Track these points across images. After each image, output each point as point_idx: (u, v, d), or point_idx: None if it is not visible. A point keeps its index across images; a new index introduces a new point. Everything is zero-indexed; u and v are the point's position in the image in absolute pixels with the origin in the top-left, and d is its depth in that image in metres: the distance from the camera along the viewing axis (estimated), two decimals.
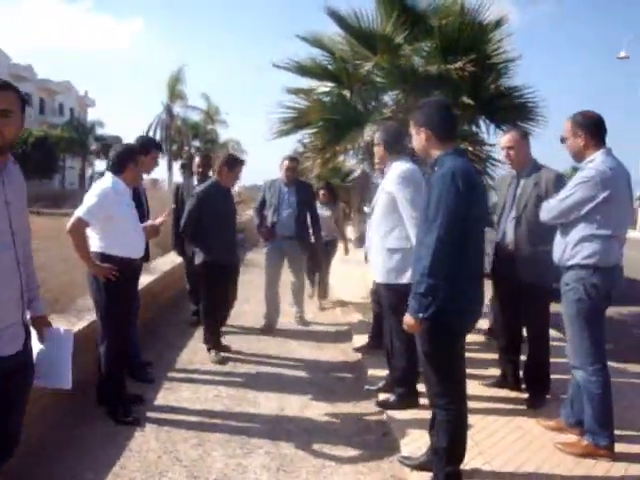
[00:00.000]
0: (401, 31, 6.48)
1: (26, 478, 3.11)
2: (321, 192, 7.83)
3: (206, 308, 5.44)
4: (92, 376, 4.08)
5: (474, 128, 6.83)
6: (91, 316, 4.49)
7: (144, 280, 6.34)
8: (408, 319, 2.76)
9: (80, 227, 3.76)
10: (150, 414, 4.03)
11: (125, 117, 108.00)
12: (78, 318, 4.56)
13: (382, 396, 4.33)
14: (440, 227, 2.61)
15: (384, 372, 4.79)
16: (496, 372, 4.69)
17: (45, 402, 3.64)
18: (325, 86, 7.17)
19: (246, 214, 14.04)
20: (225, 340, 5.90)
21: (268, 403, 4.37)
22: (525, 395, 4.33)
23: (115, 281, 3.78)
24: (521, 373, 4.47)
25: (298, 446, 3.65)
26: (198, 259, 5.38)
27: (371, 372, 4.95)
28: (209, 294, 5.39)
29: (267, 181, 6.62)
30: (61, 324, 4.48)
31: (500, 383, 4.52)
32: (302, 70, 6.91)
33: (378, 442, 3.78)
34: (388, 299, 4.06)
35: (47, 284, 6.51)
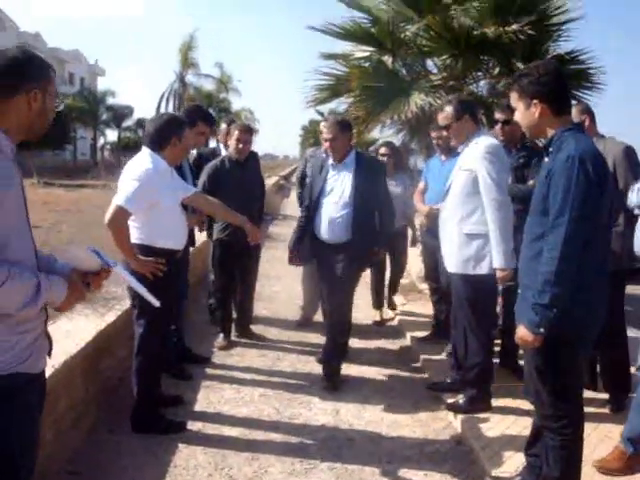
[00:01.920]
0: None
1: None
2: (385, 157, 5.48)
3: (217, 287, 5.15)
4: (127, 372, 3.66)
5: None
6: (121, 306, 4.09)
7: None
8: (524, 333, 2.29)
9: (121, 218, 3.19)
10: (192, 420, 3.61)
11: (139, 86, 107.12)
12: (107, 308, 4.13)
13: (449, 397, 3.90)
14: (569, 224, 2.13)
15: (441, 364, 4.40)
16: None
17: (80, 410, 3.24)
18: (363, 51, 6.59)
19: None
20: (259, 328, 5.48)
21: (322, 404, 3.95)
22: (604, 395, 3.88)
23: (155, 277, 3.25)
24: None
25: (363, 459, 3.23)
26: (213, 236, 5.05)
27: (429, 365, 4.52)
28: (221, 273, 5.08)
29: (309, 151, 6.00)
30: (89, 313, 4.10)
31: None
32: (341, 33, 6.33)
33: (453, 453, 3.36)
34: (464, 291, 3.58)
35: None
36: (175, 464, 3.10)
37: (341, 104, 6.97)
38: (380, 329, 5.79)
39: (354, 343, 5.26)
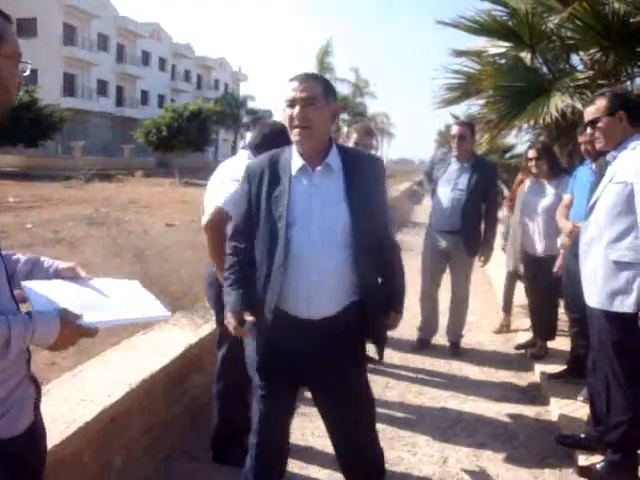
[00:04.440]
0: None
1: None
2: (532, 161, 4.65)
3: None
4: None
5: None
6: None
7: None
8: None
9: (220, 221, 2.85)
10: None
11: (276, 89, 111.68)
12: (205, 320, 3.92)
13: (583, 458, 3.22)
14: None
15: (574, 410, 3.72)
16: None
17: (157, 433, 3.02)
18: (499, 46, 5.93)
19: (395, 189, 13.02)
20: (372, 347, 5.05)
21: (428, 448, 3.44)
22: None
23: None
24: None
25: None
26: None
27: (561, 413, 3.83)
28: None
29: (438, 151, 5.53)
30: (185, 324, 3.92)
31: None
32: (473, 27, 5.73)
33: None
34: (607, 332, 2.90)
35: (172, 275, 6.05)
36: None
37: (473, 106, 6.36)
38: (504, 357, 5.12)
39: (474, 373, 4.69)
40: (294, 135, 2.21)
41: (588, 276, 2.94)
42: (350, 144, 4.58)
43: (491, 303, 7.09)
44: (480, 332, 5.89)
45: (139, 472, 2.81)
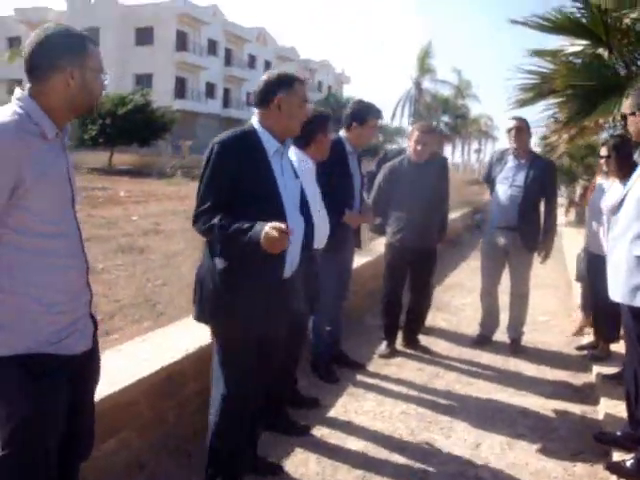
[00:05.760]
0: None
1: None
2: (603, 159, 4.58)
3: (384, 292, 5.01)
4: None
5: None
6: None
7: (355, 262, 5.88)
8: None
9: None
10: (320, 426, 3.54)
11: (377, 92, 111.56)
12: None
13: (616, 454, 3.24)
14: None
15: (623, 411, 3.68)
16: None
17: (207, 395, 3.38)
18: (576, 45, 5.84)
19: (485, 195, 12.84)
20: (429, 340, 5.21)
21: (463, 433, 3.58)
22: None
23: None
24: None
25: None
26: (385, 240, 4.94)
27: (607, 412, 3.82)
28: (389, 278, 4.95)
29: (496, 151, 5.58)
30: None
31: None
32: (545, 26, 5.68)
33: None
34: (633, 327, 2.94)
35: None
36: (283, 465, 3.06)
37: (549, 107, 6.27)
38: (562, 356, 5.08)
39: (529, 371, 4.72)
40: None
41: (612, 270, 2.97)
42: (411, 142, 4.77)
43: (567, 305, 6.96)
44: (548, 332, 5.84)
45: (190, 427, 3.17)
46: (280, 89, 2.59)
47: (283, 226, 2.31)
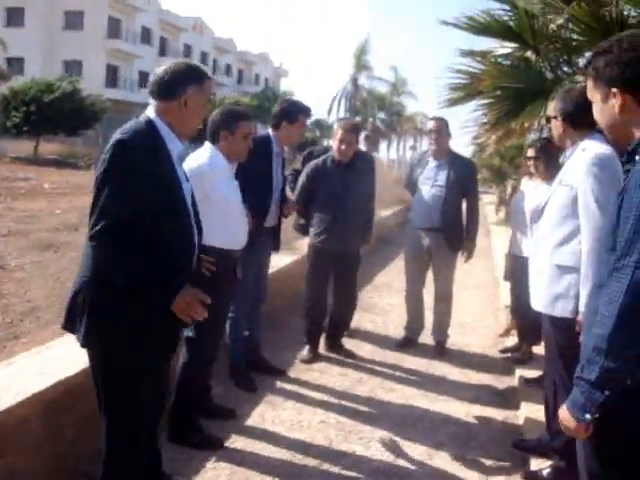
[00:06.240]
0: None
1: None
2: (530, 160, 4.65)
3: (306, 296, 4.84)
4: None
5: None
6: None
7: (280, 262, 5.71)
8: (566, 418, 1.69)
9: None
10: (235, 437, 3.34)
11: (314, 86, 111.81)
12: None
13: (534, 462, 3.20)
14: (636, 269, 1.48)
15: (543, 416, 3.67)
16: None
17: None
18: (505, 47, 5.85)
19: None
20: (352, 343, 5.10)
21: (383, 443, 3.46)
22: None
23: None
24: None
25: None
26: (308, 242, 4.81)
27: (528, 417, 3.80)
28: (312, 280, 4.77)
29: (415, 153, 5.56)
30: None
31: None
32: (474, 27, 5.65)
33: None
34: (552, 336, 2.89)
35: None
36: None
37: (479, 107, 6.26)
38: (491, 361, 5.07)
39: (453, 374, 4.67)
40: None
41: (534, 278, 2.92)
42: (335, 141, 4.62)
43: (494, 305, 7.02)
44: (474, 334, 5.84)
45: (91, 445, 2.91)
46: (189, 84, 2.32)
47: (208, 300, 2.21)
